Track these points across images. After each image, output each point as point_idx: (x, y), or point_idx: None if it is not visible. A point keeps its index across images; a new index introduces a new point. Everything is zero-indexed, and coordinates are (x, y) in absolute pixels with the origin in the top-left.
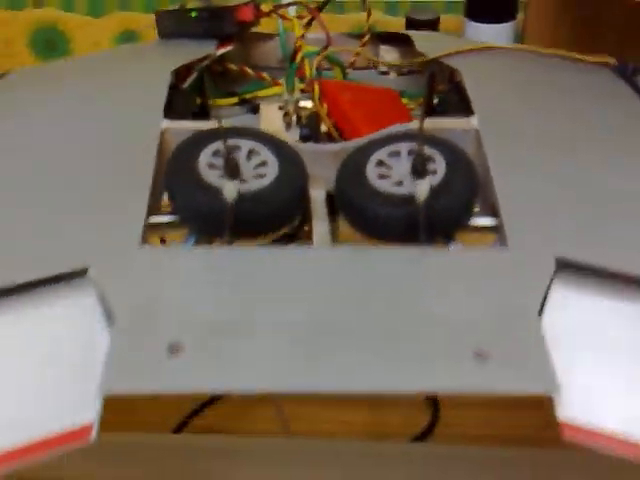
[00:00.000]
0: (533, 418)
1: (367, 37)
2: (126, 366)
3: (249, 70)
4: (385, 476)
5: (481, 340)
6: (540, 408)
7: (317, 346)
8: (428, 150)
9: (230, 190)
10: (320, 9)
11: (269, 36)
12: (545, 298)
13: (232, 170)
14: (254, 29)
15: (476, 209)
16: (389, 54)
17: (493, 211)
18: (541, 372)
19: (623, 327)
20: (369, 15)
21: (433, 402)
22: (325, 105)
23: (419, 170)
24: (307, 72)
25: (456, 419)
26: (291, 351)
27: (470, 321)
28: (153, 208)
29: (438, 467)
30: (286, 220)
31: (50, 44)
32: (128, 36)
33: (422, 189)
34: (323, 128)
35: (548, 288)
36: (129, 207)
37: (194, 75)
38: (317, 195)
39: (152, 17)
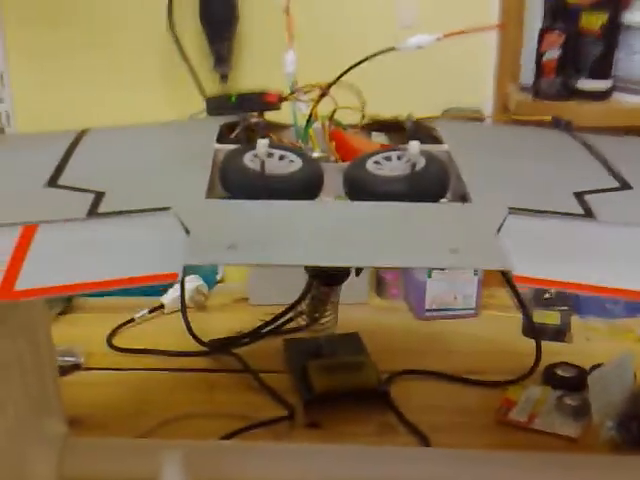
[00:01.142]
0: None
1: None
2: (200, 250)
3: (273, 136)
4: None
5: (455, 244)
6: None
7: (335, 241)
8: None
9: (262, 144)
10: (329, 87)
11: (286, 126)
12: (502, 224)
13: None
14: (276, 112)
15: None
16: (378, 138)
17: (463, 200)
18: (498, 257)
19: (554, 232)
20: (363, 107)
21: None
22: (333, 143)
23: (414, 128)
24: (320, 122)
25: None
26: (316, 244)
27: (446, 234)
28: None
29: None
30: (306, 197)
31: None
32: None
33: (414, 145)
34: None
35: (504, 219)
36: (196, 181)
37: (239, 128)
38: (327, 200)
39: None
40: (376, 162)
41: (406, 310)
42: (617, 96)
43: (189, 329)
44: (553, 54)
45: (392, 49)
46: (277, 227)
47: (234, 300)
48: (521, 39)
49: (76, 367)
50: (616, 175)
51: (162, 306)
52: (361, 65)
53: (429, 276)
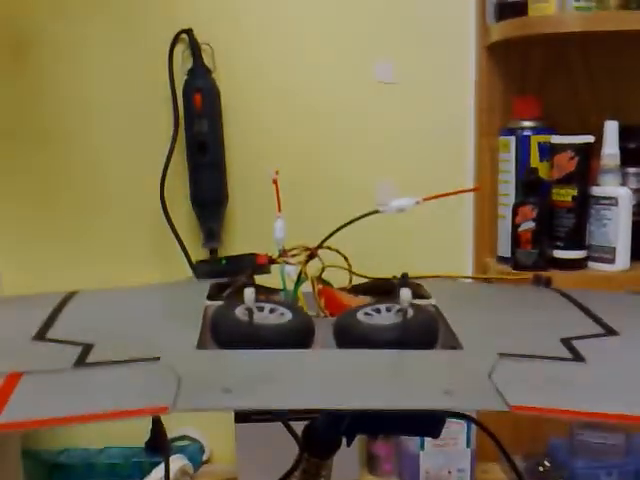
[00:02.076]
0: None
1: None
2: (193, 394)
3: (262, 297)
4: None
5: (448, 386)
6: None
7: (331, 385)
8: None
9: (249, 292)
10: (317, 248)
11: (276, 290)
12: (493, 368)
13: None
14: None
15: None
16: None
17: (453, 348)
18: (492, 398)
19: (545, 373)
20: (350, 270)
21: None
22: (322, 300)
23: (404, 282)
24: (309, 280)
25: None
26: (312, 388)
27: (439, 378)
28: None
29: None
30: (298, 347)
31: None
32: None
33: (405, 292)
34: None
35: (495, 363)
36: (186, 334)
37: (230, 289)
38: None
39: None
40: (366, 313)
41: None
42: (592, 265)
43: None
44: (528, 226)
45: (375, 212)
46: (271, 373)
47: None
48: (495, 213)
49: None
50: (600, 322)
51: None
52: (349, 230)
53: (422, 448)
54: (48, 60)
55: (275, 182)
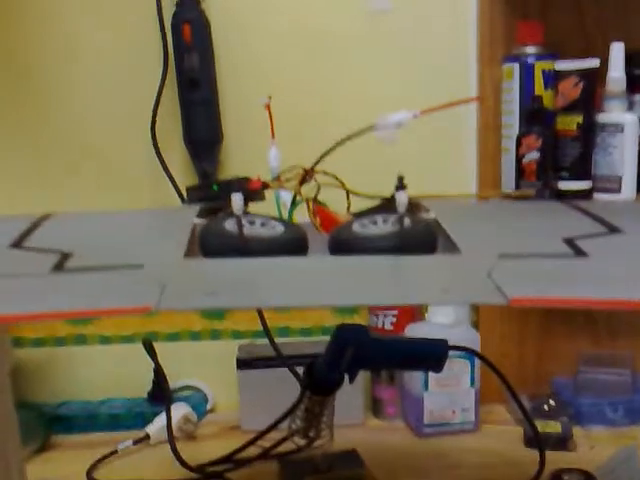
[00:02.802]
0: None
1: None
2: (177, 296)
3: None
4: None
5: (446, 285)
6: None
7: (323, 285)
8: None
9: (237, 198)
10: (313, 167)
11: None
12: (492, 267)
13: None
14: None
15: None
16: None
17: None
18: (491, 292)
19: (546, 268)
20: (348, 195)
21: None
22: (317, 219)
23: (400, 186)
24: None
25: None
26: (305, 287)
27: (437, 278)
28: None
29: None
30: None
31: None
32: None
33: (401, 197)
34: None
35: (494, 264)
36: (173, 246)
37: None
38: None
39: None
40: (362, 225)
41: (404, 429)
42: (597, 196)
43: (177, 457)
44: (532, 157)
45: (371, 128)
46: (260, 276)
47: (225, 428)
48: (499, 148)
49: None
50: (604, 222)
51: (147, 437)
52: (346, 160)
53: (426, 389)
54: None
55: (268, 107)
